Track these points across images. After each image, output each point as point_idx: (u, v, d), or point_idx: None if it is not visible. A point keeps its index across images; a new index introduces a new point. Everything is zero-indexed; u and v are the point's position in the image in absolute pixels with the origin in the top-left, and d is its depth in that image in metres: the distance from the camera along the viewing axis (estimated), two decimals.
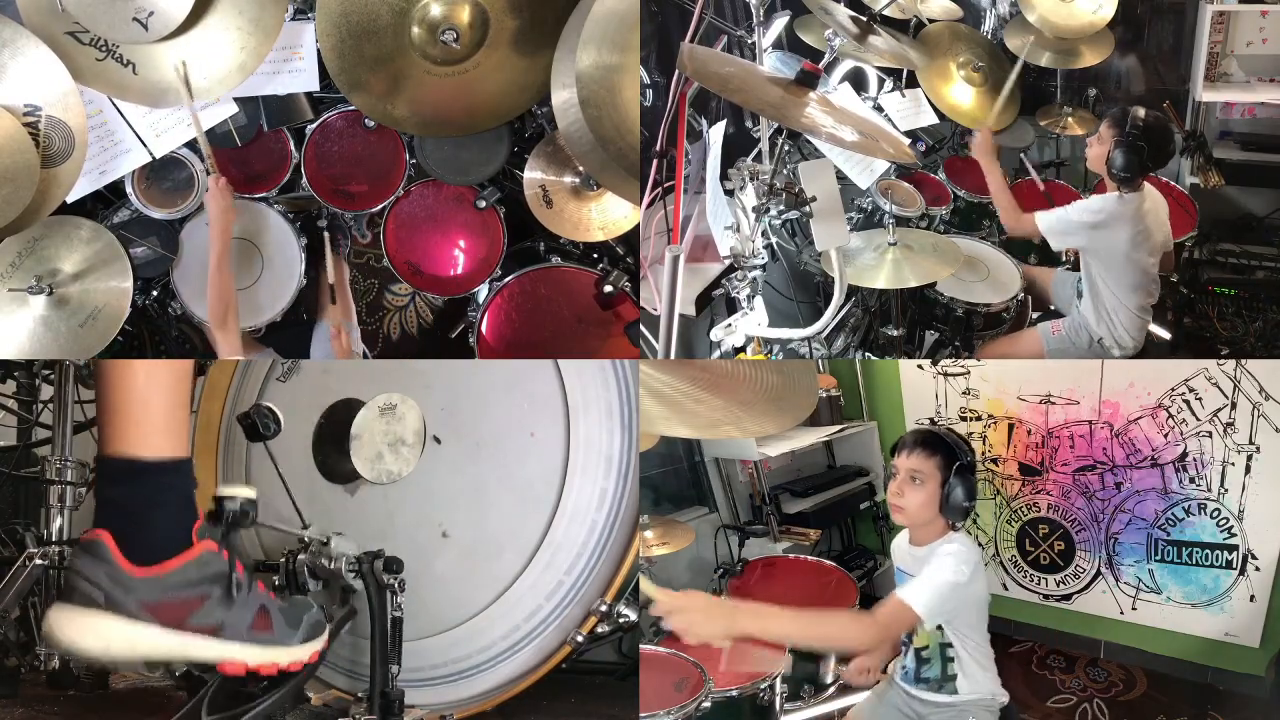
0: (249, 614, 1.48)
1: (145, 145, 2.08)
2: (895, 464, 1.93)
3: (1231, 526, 2.66)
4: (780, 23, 2.84)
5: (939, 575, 1.80)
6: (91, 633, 1.34)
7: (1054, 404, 2.92)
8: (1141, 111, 2.45)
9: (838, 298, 2.09)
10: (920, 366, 3.14)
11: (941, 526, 1.95)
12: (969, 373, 3.07)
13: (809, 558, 2.81)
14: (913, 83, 3.09)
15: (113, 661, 1.38)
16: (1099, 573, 2.97)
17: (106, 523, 1.39)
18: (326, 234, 2.29)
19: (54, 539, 2.04)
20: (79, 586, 1.35)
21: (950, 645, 1.96)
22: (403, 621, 1.73)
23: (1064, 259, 2.92)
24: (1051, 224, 2.54)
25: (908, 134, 2.97)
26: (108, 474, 1.44)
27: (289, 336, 2.29)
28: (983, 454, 3.11)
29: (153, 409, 1.43)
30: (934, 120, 3.11)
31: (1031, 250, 3.04)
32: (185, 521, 1.44)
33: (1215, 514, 2.68)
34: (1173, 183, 3.26)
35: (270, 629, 1.52)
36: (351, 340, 2.43)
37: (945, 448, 1.91)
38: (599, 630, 1.86)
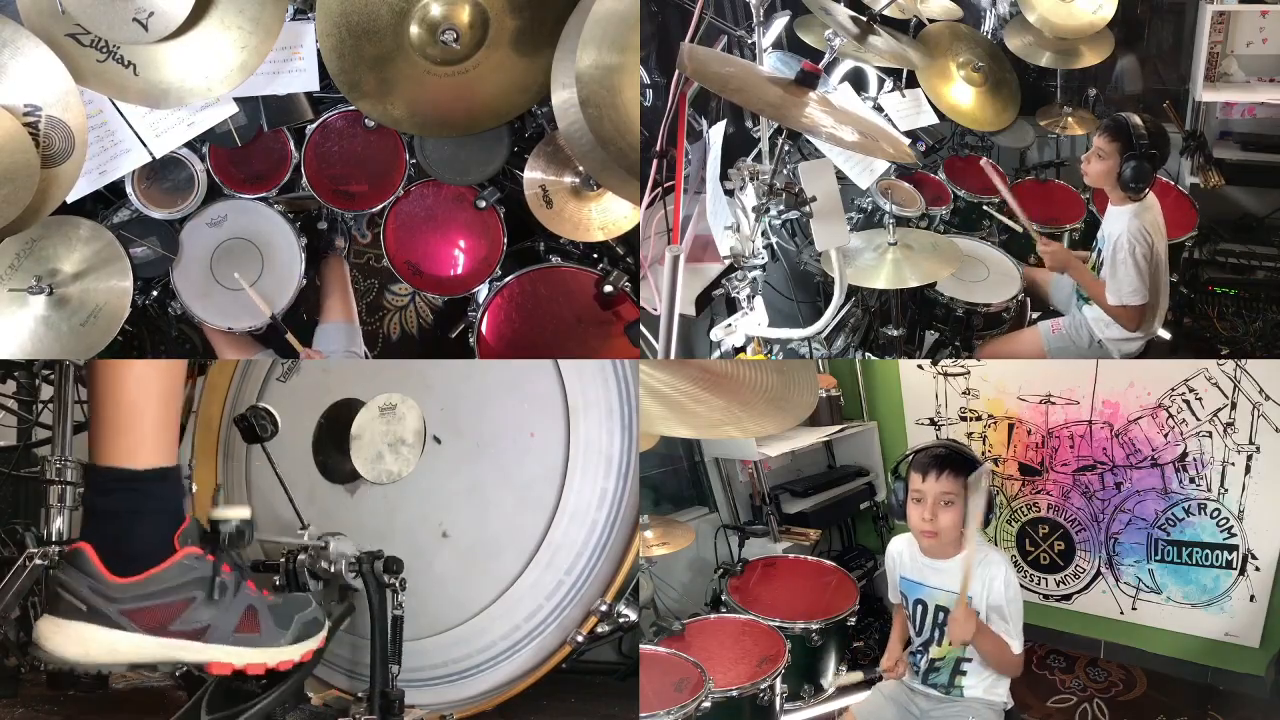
0: (234, 616, 1.51)
1: (145, 145, 2.08)
2: (921, 488, 1.93)
3: (1231, 526, 2.66)
4: (780, 23, 2.84)
5: (1019, 607, 1.95)
6: (74, 640, 1.40)
7: (1054, 404, 2.92)
8: (1138, 119, 2.45)
9: (838, 298, 2.09)
10: (920, 366, 3.13)
11: (961, 539, 1.96)
12: (969, 373, 3.06)
13: (809, 558, 2.81)
14: (913, 83, 3.08)
15: (95, 665, 1.42)
16: (1099, 573, 2.97)
17: (92, 532, 1.45)
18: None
19: (54, 539, 2.04)
20: (62, 597, 1.41)
21: (968, 660, 1.98)
22: (403, 620, 1.73)
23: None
24: (1138, 286, 2.48)
25: (908, 134, 2.97)
26: (96, 484, 1.48)
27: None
28: (983, 454, 3.11)
29: (143, 419, 1.47)
30: (934, 120, 3.11)
31: (1031, 250, 3.04)
32: (170, 529, 1.47)
33: (1215, 514, 2.68)
34: (1172, 183, 3.26)
35: (257, 629, 1.54)
36: (353, 341, 2.43)
37: (970, 465, 1.93)
38: (599, 630, 1.86)
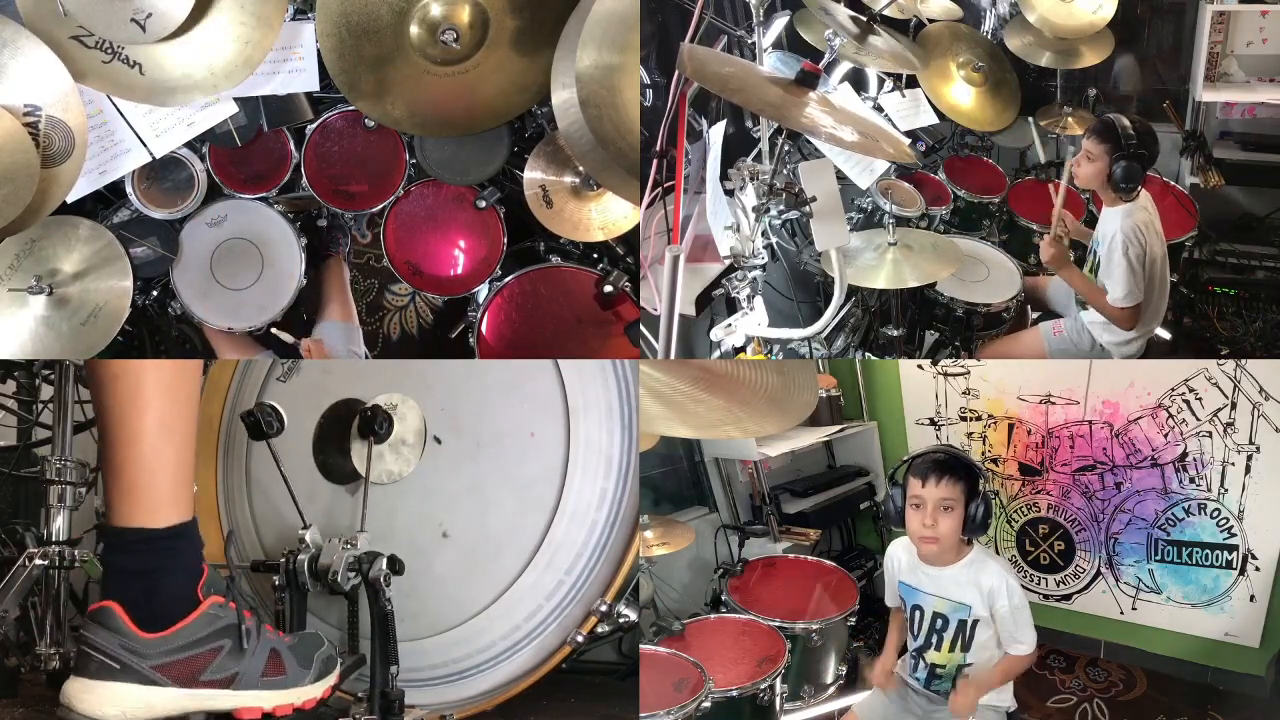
0: (261, 661, 1.52)
1: (145, 145, 2.08)
2: (920, 494, 1.92)
3: (1231, 526, 2.66)
4: (780, 23, 2.84)
5: (1026, 612, 1.95)
6: (108, 701, 1.39)
7: (1054, 404, 2.92)
8: (1127, 120, 2.44)
9: (838, 298, 2.09)
10: (920, 366, 3.14)
11: (961, 545, 1.96)
12: (969, 373, 3.06)
13: (809, 558, 2.81)
14: (913, 82, 3.09)
15: None
16: (1099, 573, 2.97)
17: (115, 590, 1.44)
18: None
19: (54, 539, 2.04)
20: (93, 657, 1.40)
21: (969, 665, 1.98)
22: (394, 615, 1.72)
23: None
24: (1132, 287, 2.45)
25: (908, 134, 2.97)
26: (117, 543, 1.47)
27: None
28: (983, 454, 3.11)
29: (161, 480, 1.46)
30: (934, 120, 3.11)
31: (1031, 251, 3.04)
32: (192, 581, 1.48)
33: (1215, 514, 2.68)
34: (1172, 183, 3.26)
35: (283, 671, 1.55)
36: (353, 341, 2.43)
37: (969, 471, 1.93)
38: (599, 630, 1.86)
